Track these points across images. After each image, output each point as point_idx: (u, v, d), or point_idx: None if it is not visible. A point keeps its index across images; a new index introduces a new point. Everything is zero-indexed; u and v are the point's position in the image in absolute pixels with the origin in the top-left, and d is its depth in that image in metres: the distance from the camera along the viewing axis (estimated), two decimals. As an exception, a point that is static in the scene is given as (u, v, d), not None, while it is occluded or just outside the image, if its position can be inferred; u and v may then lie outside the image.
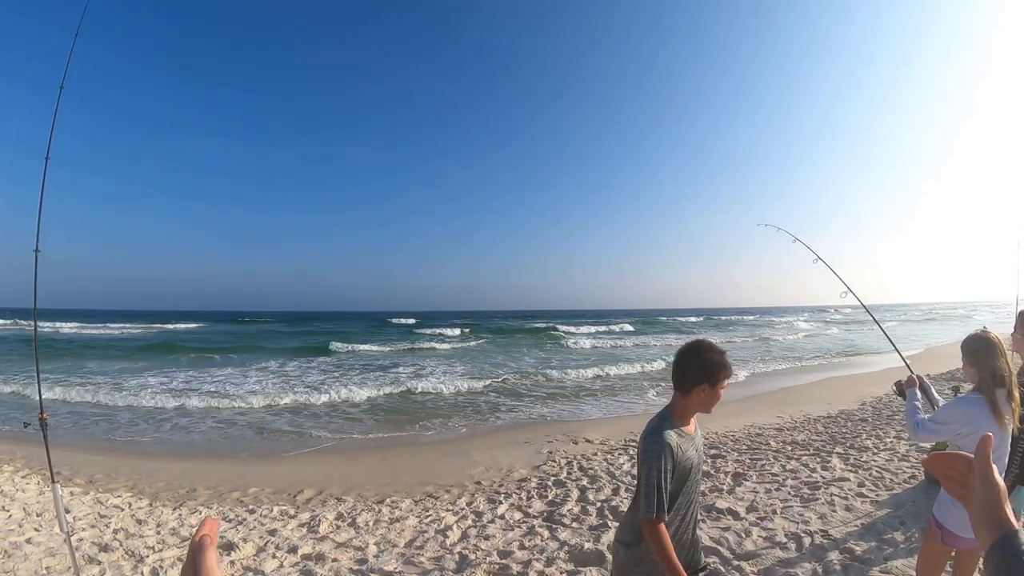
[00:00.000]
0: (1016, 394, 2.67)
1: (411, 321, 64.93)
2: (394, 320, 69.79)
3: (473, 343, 33.80)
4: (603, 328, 48.01)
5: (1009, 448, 2.77)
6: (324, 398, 13.73)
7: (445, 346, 31.57)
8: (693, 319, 67.49)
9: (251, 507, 6.50)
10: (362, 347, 29.51)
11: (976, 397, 2.71)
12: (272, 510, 6.32)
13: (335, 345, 29.32)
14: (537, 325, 53.97)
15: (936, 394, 3.32)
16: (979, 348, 2.77)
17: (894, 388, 3.38)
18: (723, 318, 70.98)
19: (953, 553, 2.93)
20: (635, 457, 7.71)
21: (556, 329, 45.10)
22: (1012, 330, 3.37)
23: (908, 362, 4.17)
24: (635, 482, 6.71)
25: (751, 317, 74.93)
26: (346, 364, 22.60)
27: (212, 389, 15.40)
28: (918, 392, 3.15)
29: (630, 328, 49.50)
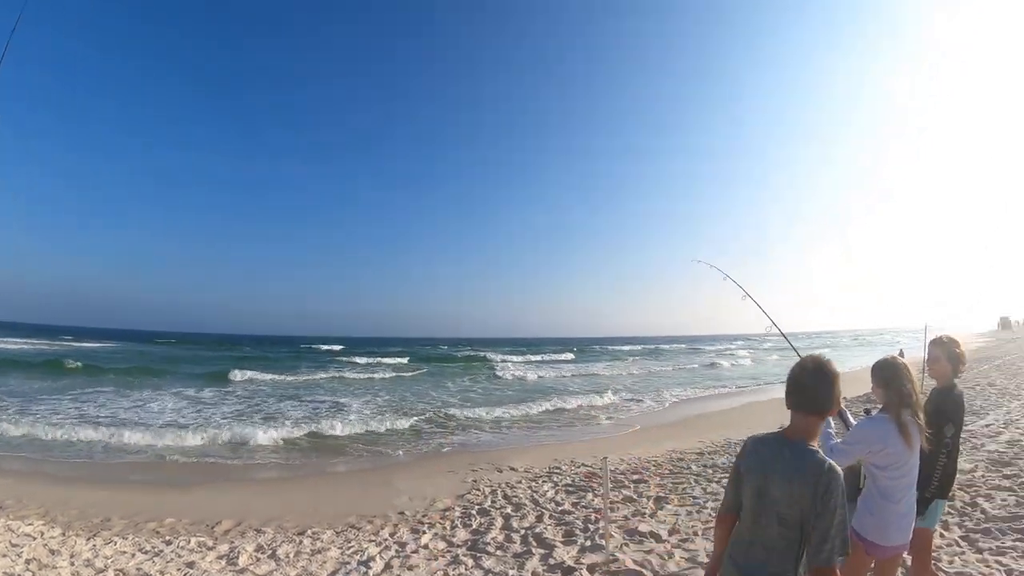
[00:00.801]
0: (921, 414, 2.83)
1: (336, 348, 62.79)
2: (318, 346, 67.41)
3: (401, 372, 33.13)
4: (536, 357, 48.23)
5: (919, 463, 2.95)
6: (241, 427, 13.18)
7: (372, 375, 30.77)
8: (627, 347, 68.60)
9: (168, 538, 6.27)
10: (281, 375, 28.28)
11: (883, 417, 2.90)
12: (190, 541, 6.12)
13: (253, 372, 28.04)
14: (469, 353, 53.49)
15: (851, 417, 3.49)
16: (886, 372, 2.97)
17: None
18: (660, 347, 72.20)
19: (872, 564, 3.05)
20: (557, 484, 7.77)
21: (487, 358, 44.89)
22: (926, 355, 3.63)
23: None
24: (559, 508, 6.73)
25: (683, 345, 77.02)
26: (264, 392, 21.92)
27: (127, 416, 14.81)
28: (831, 420, 3.29)
29: (565, 357, 50.01)
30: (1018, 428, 9.42)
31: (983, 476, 6.71)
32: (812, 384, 2.05)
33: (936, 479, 3.26)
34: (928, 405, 3.30)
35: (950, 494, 3.47)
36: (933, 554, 4.00)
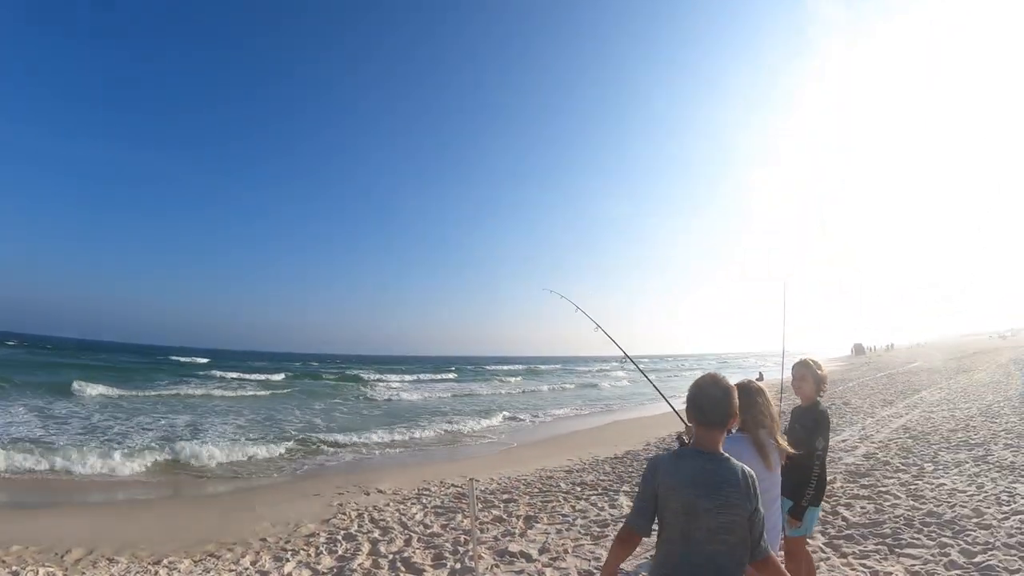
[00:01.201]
0: (779, 434, 3.10)
1: (201, 360, 58.05)
2: (180, 357, 62.09)
3: (268, 390, 31.10)
4: (411, 377, 47.53)
5: (780, 479, 3.12)
6: (95, 444, 12.18)
7: (237, 391, 28.64)
8: (507, 367, 69.12)
9: (14, 568, 5.74)
10: (139, 389, 25.70)
11: (740, 436, 3.09)
12: (38, 572, 5.66)
13: (108, 383, 25.27)
14: (341, 371, 51.63)
15: None
16: (742, 395, 3.18)
17: (676, 438, 3.79)
18: (538, 367, 73.36)
19: None
20: (427, 506, 7.66)
21: (360, 377, 43.64)
22: (790, 376, 3.97)
23: (679, 412, 4.71)
24: (428, 531, 6.64)
25: (558, 366, 78.92)
26: (120, 405, 20.10)
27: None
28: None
29: (441, 376, 49.69)
30: (872, 443, 10.32)
31: (842, 487, 7.27)
32: (714, 398, 2.18)
33: (811, 488, 3.58)
34: (795, 422, 3.71)
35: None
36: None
